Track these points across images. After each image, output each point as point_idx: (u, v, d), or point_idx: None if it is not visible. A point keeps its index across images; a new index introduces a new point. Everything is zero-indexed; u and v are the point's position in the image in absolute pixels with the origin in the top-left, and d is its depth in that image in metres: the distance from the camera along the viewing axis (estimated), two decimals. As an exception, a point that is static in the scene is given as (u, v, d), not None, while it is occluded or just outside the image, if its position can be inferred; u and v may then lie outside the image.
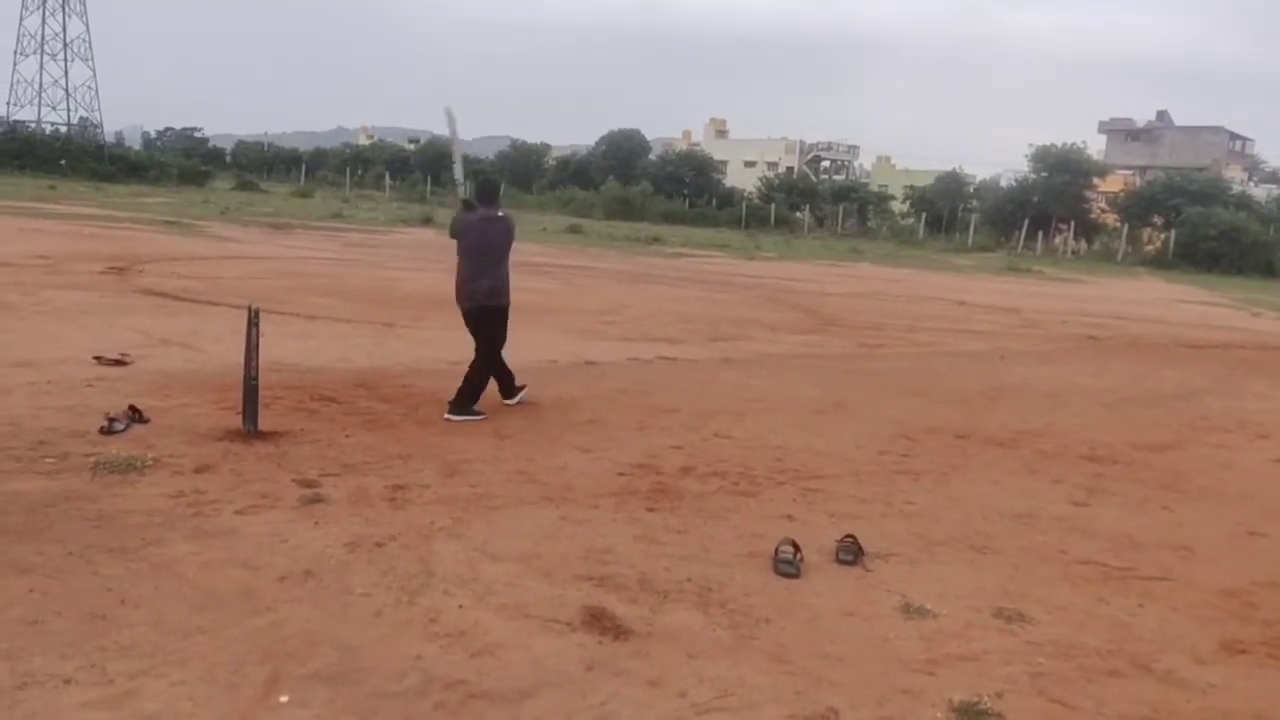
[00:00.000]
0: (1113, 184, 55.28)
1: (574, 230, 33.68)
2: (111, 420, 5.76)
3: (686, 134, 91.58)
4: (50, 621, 3.39)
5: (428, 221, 32.36)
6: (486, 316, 7.08)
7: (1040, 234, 46.54)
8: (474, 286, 7.04)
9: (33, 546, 3.99)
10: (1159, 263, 40.08)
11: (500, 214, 7.32)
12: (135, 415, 5.97)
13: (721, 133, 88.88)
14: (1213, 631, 4.12)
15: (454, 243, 7.20)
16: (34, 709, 2.86)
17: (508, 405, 7.17)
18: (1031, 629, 3.99)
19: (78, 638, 3.30)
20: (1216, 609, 4.38)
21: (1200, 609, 4.36)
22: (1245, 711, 3.46)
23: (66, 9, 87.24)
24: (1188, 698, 3.51)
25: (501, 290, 7.12)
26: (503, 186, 53.32)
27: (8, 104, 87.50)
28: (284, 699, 3.06)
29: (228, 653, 3.31)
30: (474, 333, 7.12)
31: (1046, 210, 49.07)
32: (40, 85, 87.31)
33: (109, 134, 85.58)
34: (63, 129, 77.63)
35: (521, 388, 7.37)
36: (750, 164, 75.42)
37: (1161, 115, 67.86)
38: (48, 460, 5.11)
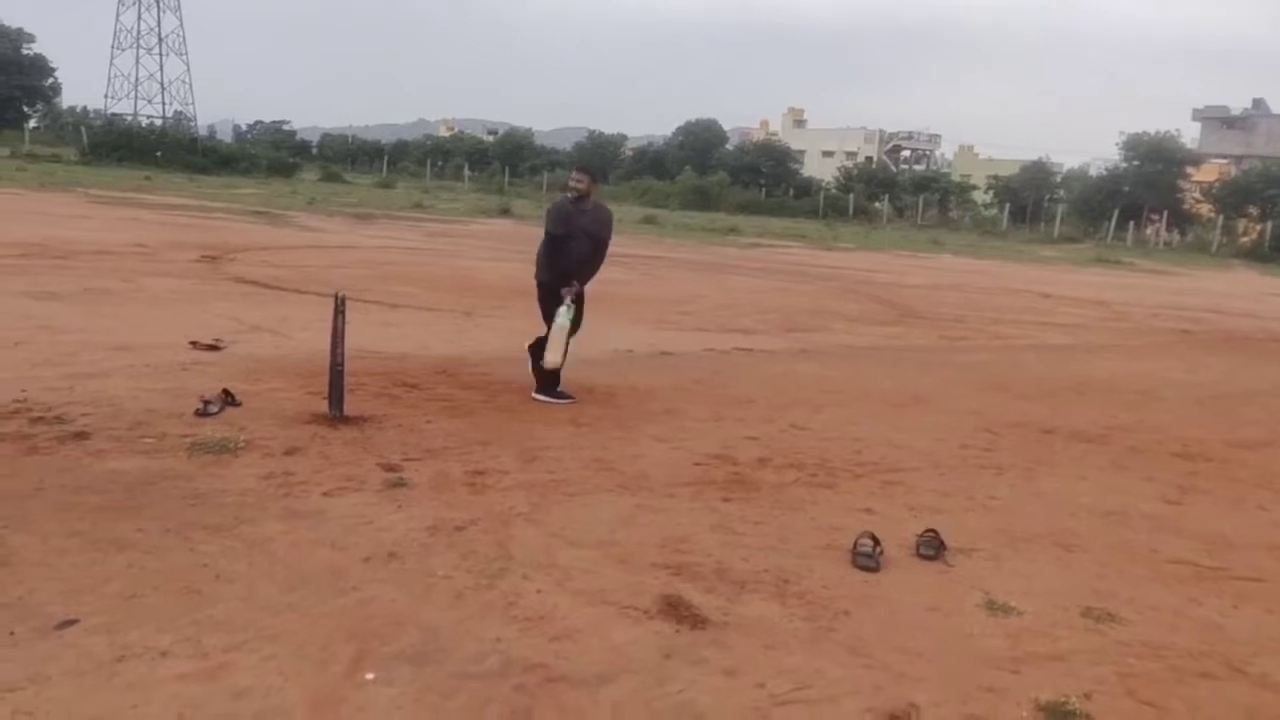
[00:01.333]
0: (1207, 173, 53.41)
1: (649, 220, 33.69)
2: (206, 403, 5.95)
3: (764, 123, 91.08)
4: (148, 596, 3.52)
5: (505, 212, 32.73)
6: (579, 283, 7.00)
7: (1131, 225, 45.19)
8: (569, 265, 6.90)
9: (131, 523, 4.15)
10: (1255, 255, 38.60)
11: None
12: (228, 398, 6.15)
13: (799, 122, 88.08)
14: (1313, 637, 3.96)
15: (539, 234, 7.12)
16: (131, 680, 2.98)
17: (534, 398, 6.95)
18: (1121, 629, 3.89)
19: (174, 612, 3.42)
20: (1317, 613, 4.21)
21: (1300, 613, 4.20)
22: (1348, 720, 3.33)
23: (161, 5, 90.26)
24: (1286, 704, 3.39)
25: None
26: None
27: (106, 98, 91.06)
28: (370, 676, 3.13)
29: (316, 630, 3.40)
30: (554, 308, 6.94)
31: (1138, 200, 47.64)
32: (136, 79, 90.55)
33: (202, 127, 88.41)
34: (158, 122, 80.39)
35: (563, 394, 7.01)
36: (828, 154, 74.61)
37: (1258, 103, 65.12)
38: (146, 440, 5.31)
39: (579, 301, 7.00)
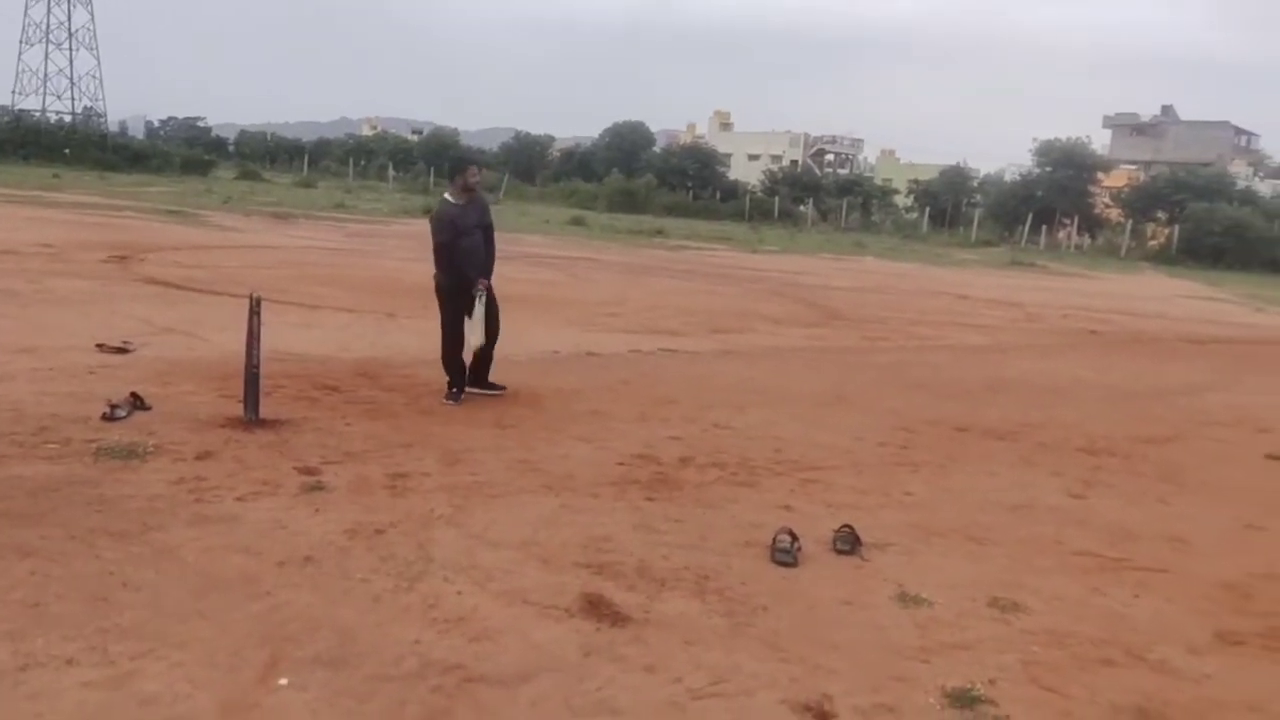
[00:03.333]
0: (1117, 179, 55.13)
1: (577, 222, 33.66)
2: (113, 407, 5.79)
3: (691, 126, 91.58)
4: (52, 604, 3.42)
5: (429, 213, 32.29)
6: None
7: (1044, 229, 46.46)
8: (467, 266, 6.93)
9: (35, 530, 4.02)
10: (1163, 258, 40.01)
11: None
12: (137, 402, 5.99)
13: (726, 125, 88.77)
14: (1208, 623, 4.14)
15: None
16: (36, 689, 2.89)
17: (444, 402, 6.92)
18: (1026, 618, 4.01)
19: (79, 620, 3.33)
20: (1212, 601, 4.40)
21: (1196, 600, 4.38)
22: (1238, 702, 3.48)
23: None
24: (1180, 687, 3.53)
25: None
26: (505, 178, 53.37)
27: (13, 93, 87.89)
28: (283, 681, 3.09)
29: (228, 636, 3.34)
30: (453, 310, 6.99)
31: (1050, 205, 48.97)
32: (45, 75, 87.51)
33: (113, 123, 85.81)
34: (67, 118, 77.77)
35: (461, 392, 7.03)
36: (754, 157, 75.31)
37: (1167, 110, 67.70)
38: (50, 445, 5.14)
39: (490, 307, 7.02)
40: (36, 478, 4.64)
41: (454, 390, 6.94)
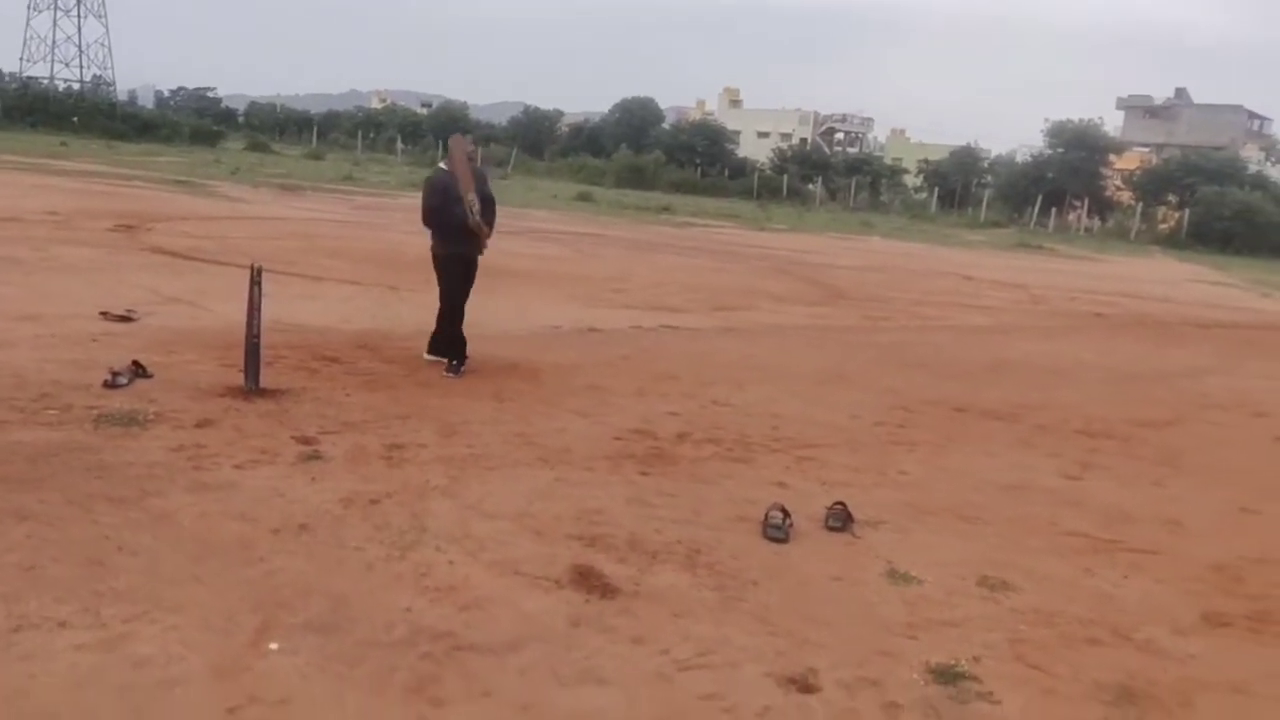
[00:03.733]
0: (1129, 161, 54.79)
1: (584, 198, 33.59)
2: (115, 374, 5.82)
3: (700, 103, 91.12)
4: (48, 567, 3.46)
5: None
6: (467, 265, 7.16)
7: (1054, 210, 46.20)
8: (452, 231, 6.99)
9: (33, 495, 4.06)
10: (1172, 242, 39.80)
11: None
12: (139, 370, 6.03)
13: (735, 102, 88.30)
14: (1196, 604, 4.16)
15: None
16: (29, 650, 2.93)
17: (444, 372, 6.95)
18: (1015, 597, 4.04)
19: (74, 583, 3.37)
20: (1202, 582, 4.42)
21: (1186, 582, 4.40)
22: (1221, 682, 3.51)
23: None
24: (1165, 667, 3.56)
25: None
26: (514, 153, 53.20)
27: (21, 60, 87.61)
28: (274, 646, 3.12)
29: (221, 601, 3.38)
30: (450, 277, 7.10)
31: (1061, 186, 48.70)
32: (53, 42, 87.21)
33: (122, 92, 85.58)
34: (75, 86, 77.61)
35: (461, 364, 7.04)
36: (764, 135, 75.00)
37: (1180, 93, 67.12)
38: (50, 412, 5.18)
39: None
40: (36, 443, 4.68)
41: (454, 363, 6.96)
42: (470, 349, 7.10)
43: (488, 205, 7.11)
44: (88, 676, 2.83)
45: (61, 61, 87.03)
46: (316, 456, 4.94)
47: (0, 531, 3.70)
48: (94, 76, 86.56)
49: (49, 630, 3.06)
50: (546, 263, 14.40)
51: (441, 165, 7.15)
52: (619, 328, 9.68)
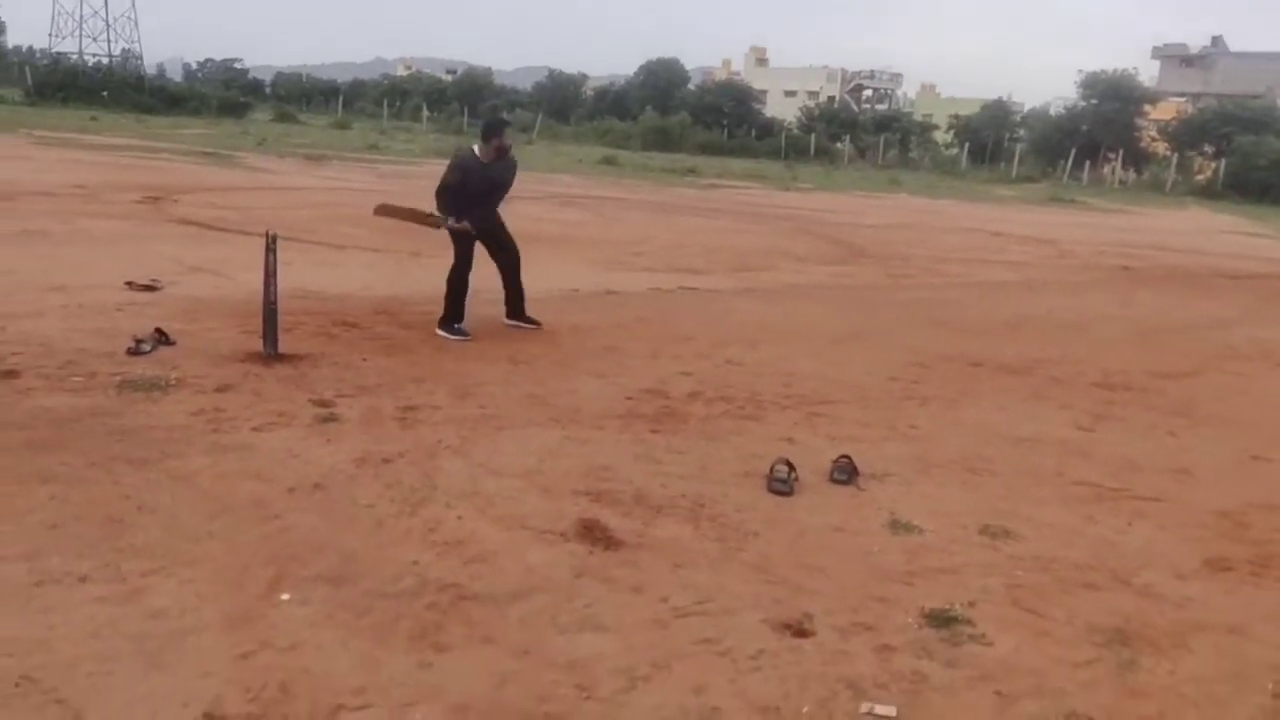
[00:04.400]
0: (1164, 111, 53.72)
1: (609, 161, 33.51)
2: (138, 342, 5.97)
3: (726, 63, 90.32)
4: (69, 525, 3.60)
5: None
6: (492, 232, 7.33)
7: (1087, 163, 45.51)
8: (476, 214, 7.15)
9: (56, 457, 4.21)
10: (1209, 192, 39.10)
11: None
12: (161, 337, 6.17)
13: (762, 61, 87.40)
14: (1199, 549, 4.19)
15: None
16: (49, 603, 3.07)
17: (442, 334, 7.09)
18: (1015, 544, 4.08)
19: (94, 540, 3.50)
20: (1206, 529, 4.44)
21: (1189, 528, 4.42)
22: (1218, 624, 3.54)
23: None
24: (1161, 610, 3.60)
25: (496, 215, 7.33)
26: (539, 118, 53.01)
27: (50, 36, 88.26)
28: (285, 596, 3.24)
29: (236, 556, 3.50)
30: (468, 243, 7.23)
31: (1095, 139, 47.94)
32: (81, 17, 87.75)
33: (150, 66, 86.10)
34: (104, 61, 78.16)
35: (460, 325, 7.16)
36: (791, 94, 74.22)
37: (1216, 40, 65.53)
38: (75, 379, 5.33)
39: (503, 241, 7.38)
40: (61, 409, 4.83)
41: (456, 326, 7.05)
42: (488, 313, 7.23)
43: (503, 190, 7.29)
44: (105, 626, 2.96)
45: (89, 36, 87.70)
46: (332, 419, 5.05)
47: (24, 493, 3.85)
48: (122, 50, 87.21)
49: (69, 585, 3.19)
50: (568, 227, 14.44)
51: (474, 149, 7.19)
52: (637, 290, 9.72)
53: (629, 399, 5.85)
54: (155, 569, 3.34)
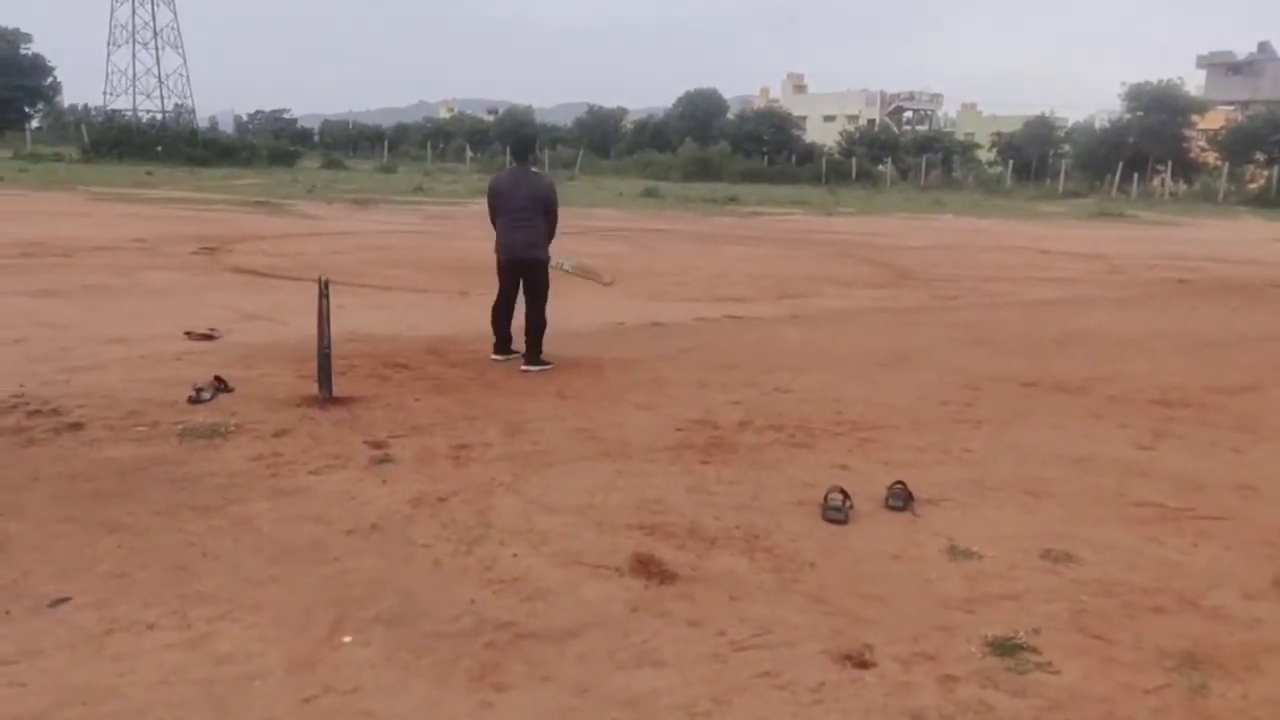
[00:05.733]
0: (1213, 121, 52.89)
1: (650, 194, 33.73)
2: (198, 390, 6.11)
3: (764, 91, 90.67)
4: (136, 574, 3.69)
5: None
6: (525, 268, 7.34)
7: (1136, 176, 44.88)
8: (511, 239, 7.29)
9: (123, 507, 4.32)
10: (1262, 201, 38.38)
11: (534, 170, 7.52)
12: (220, 385, 6.31)
13: (800, 88, 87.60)
14: (1267, 569, 4.08)
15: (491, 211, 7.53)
16: (119, 651, 3.14)
17: (524, 371, 7.23)
18: (1078, 569, 4.01)
19: (161, 588, 3.58)
20: (1274, 547, 4.32)
21: (1257, 547, 4.31)
22: (1292, 646, 3.45)
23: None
24: (1231, 631, 3.51)
25: (537, 243, 7.33)
26: (580, 154, 53.50)
27: (104, 94, 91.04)
28: (347, 639, 3.29)
29: (298, 599, 3.56)
30: (509, 283, 7.42)
31: (1143, 151, 47.32)
32: (134, 75, 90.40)
33: (202, 119, 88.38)
34: (158, 116, 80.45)
35: (501, 352, 7.53)
36: (830, 118, 74.25)
37: (1263, 46, 64.42)
38: (139, 429, 5.47)
39: (533, 283, 7.41)
40: (125, 459, 4.95)
41: (497, 349, 7.40)
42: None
43: (545, 212, 7.36)
44: (173, 673, 3.02)
45: (143, 93, 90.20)
46: (387, 459, 5.12)
47: (93, 542, 3.95)
48: (175, 105, 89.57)
49: (138, 632, 3.26)
50: (610, 260, 14.51)
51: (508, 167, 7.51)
52: (682, 320, 9.75)
53: (678, 430, 5.86)
54: (220, 614, 3.41)
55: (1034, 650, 3.32)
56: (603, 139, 65.97)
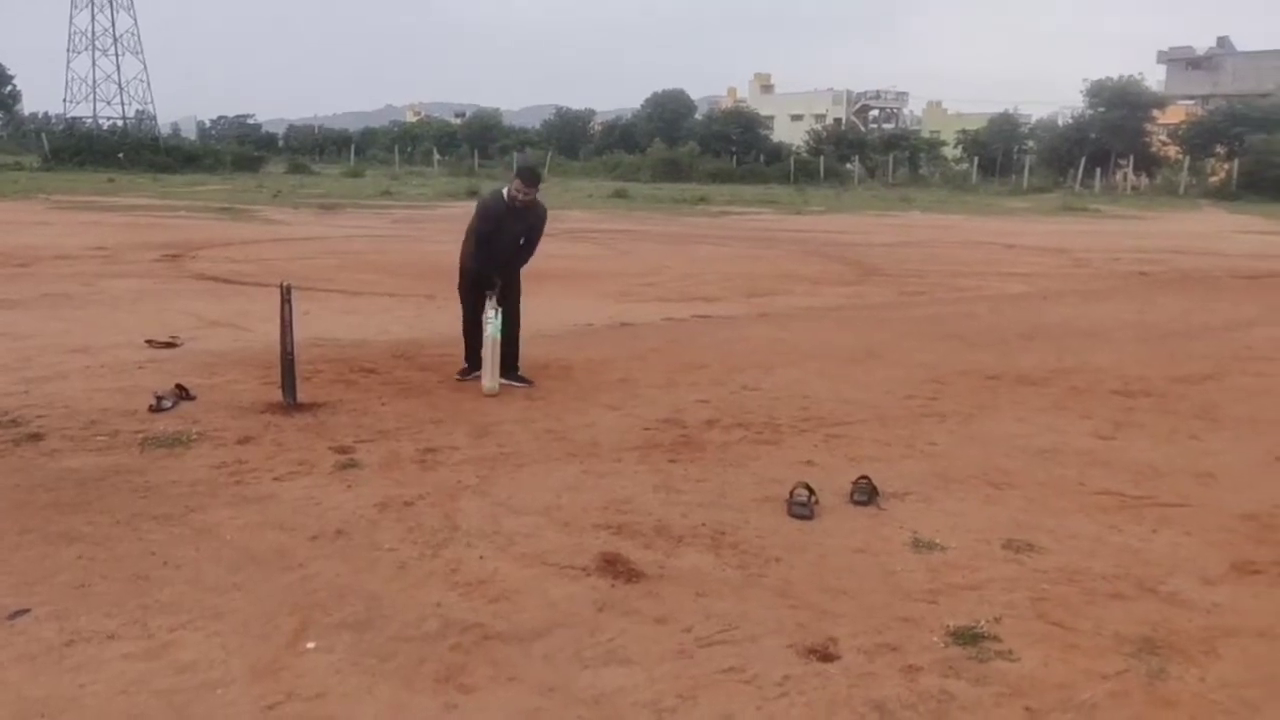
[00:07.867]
0: (1174, 115, 53.60)
1: (619, 195, 33.73)
2: (160, 399, 6.04)
3: (731, 91, 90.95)
4: (96, 584, 3.64)
5: (474, 194, 32.57)
6: (502, 279, 6.93)
7: (1099, 171, 45.44)
8: (492, 258, 6.86)
9: (83, 517, 4.26)
10: (1223, 194, 38.93)
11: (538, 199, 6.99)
12: (182, 393, 6.25)
13: (767, 88, 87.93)
14: (1225, 554, 4.15)
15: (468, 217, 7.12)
16: (79, 661, 3.10)
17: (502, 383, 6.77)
18: (1039, 558, 4.06)
19: (122, 598, 3.54)
20: (1232, 532, 4.39)
21: (1215, 533, 4.38)
22: (1249, 628, 3.50)
23: (114, 5, 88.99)
24: (1190, 616, 3.56)
25: (514, 264, 7.04)
26: (549, 156, 53.44)
27: (64, 101, 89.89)
28: (310, 645, 3.26)
29: (261, 606, 3.53)
30: (477, 299, 6.92)
31: (1105, 146, 47.89)
32: (94, 82, 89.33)
33: (164, 125, 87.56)
34: (119, 123, 79.50)
35: (470, 371, 6.99)
36: (797, 118, 74.58)
37: (1222, 41, 65.38)
38: (99, 438, 5.40)
39: (508, 298, 6.90)
40: (85, 469, 4.89)
41: (466, 368, 6.99)
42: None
43: (529, 240, 7.00)
44: (134, 683, 2.99)
45: (104, 100, 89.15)
46: (352, 464, 5.10)
47: (53, 553, 3.90)
48: (137, 112, 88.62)
49: (99, 642, 3.22)
50: (579, 262, 14.52)
51: (502, 191, 6.85)
52: (651, 321, 9.77)
53: (646, 430, 5.87)
54: (182, 623, 3.37)
55: (995, 639, 3.36)
56: (571, 141, 65.89)
